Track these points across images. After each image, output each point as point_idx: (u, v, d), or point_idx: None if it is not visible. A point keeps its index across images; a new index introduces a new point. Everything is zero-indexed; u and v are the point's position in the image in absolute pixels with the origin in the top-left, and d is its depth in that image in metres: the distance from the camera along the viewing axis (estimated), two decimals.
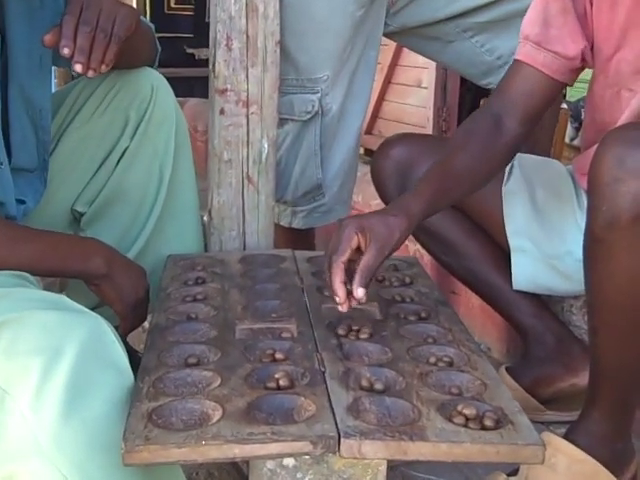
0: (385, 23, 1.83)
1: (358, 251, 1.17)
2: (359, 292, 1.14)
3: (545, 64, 1.37)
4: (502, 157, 1.38)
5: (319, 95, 1.74)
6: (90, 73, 1.20)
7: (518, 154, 1.61)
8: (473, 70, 1.92)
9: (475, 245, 1.60)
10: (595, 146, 1.14)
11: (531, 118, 1.39)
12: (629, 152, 1.07)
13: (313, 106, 1.74)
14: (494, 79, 1.80)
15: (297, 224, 1.86)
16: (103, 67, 1.21)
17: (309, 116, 1.75)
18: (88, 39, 1.19)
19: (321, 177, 1.81)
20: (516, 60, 1.40)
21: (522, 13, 1.44)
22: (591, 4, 1.35)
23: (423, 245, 1.70)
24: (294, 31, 1.69)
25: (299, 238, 1.87)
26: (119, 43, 1.22)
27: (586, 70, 1.46)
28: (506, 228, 1.55)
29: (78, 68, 1.19)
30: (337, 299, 1.15)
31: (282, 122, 1.73)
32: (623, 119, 1.35)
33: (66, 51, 1.18)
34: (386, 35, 1.88)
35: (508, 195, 1.56)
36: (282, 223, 1.85)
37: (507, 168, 1.56)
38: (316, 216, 1.86)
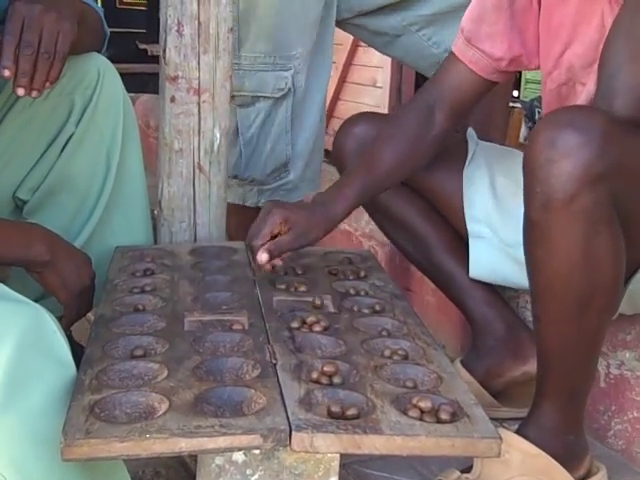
0: (337, 7, 1.83)
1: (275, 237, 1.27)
2: (262, 257, 1.23)
3: (472, 61, 1.40)
4: (429, 150, 1.44)
5: (292, 72, 1.76)
6: (34, 94, 1.18)
7: (480, 142, 1.60)
8: (422, 63, 1.94)
9: (430, 228, 1.58)
10: None
11: (458, 113, 1.44)
12: (560, 133, 1.06)
13: (286, 83, 1.76)
14: None
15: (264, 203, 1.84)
16: (47, 84, 1.18)
17: (282, 93, 1.77)
18: (30, 61, 1.15)
19: (290, 154, 1.79)
20: (452, 52, 1.43)
21: (466, 6, 1.44)
22: (539, 5, 1.35)
23: (378, 225, 1.67)
24: (275, 9, 1.69)
25: None
26: (63, 60, 1.19)
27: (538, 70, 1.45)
28: (465, 213, 1.53)
29: (20, 92, 1.16)
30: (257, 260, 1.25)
31: (253, 100, 1.73)
32: None
33: (7, 73, 1.15)
34: (339, 25, 1.88)
35: (469, 180, 1.54)
36: (248, 204, 1.83)
37: (470, 153, 1.55)
38: (281, 194, 1.85)
